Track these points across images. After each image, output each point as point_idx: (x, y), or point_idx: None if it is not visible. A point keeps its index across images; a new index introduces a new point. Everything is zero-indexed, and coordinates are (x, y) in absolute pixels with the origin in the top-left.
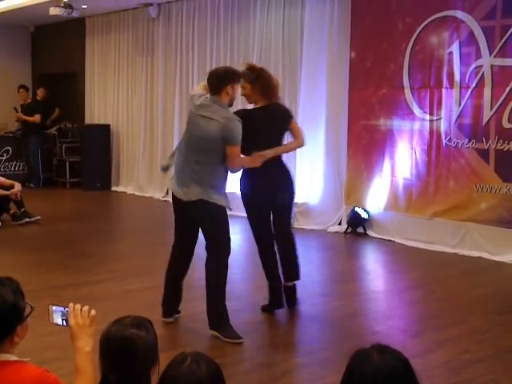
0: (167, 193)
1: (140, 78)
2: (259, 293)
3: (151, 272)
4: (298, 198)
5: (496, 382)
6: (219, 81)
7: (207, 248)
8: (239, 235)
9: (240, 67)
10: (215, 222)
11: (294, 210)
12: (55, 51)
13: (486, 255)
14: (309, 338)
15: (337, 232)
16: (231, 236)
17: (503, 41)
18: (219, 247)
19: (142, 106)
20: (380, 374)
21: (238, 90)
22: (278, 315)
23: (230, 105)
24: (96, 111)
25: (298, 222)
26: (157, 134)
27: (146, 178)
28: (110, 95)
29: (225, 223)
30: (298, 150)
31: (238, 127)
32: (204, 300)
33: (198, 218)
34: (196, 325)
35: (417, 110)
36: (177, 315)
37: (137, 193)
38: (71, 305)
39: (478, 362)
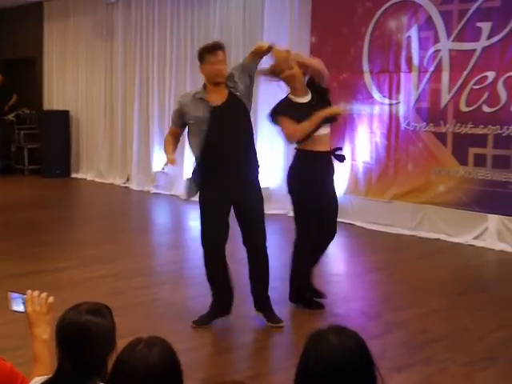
0: (128, 179)
1: (99, 63)
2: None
3: (113, 259)
4: (261, 183)
5: (453, 360)
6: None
7: None
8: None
9: None
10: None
11: None
12: (13, 36)
13: (443, 237)
14: None
15: None
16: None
17: (461, 25)
18: None
19: (101, 92)
20: (336, 355)
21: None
22: (239, 299)
23: (215, 83)
24: (55, 97)
25: None
26: (117, 120)
27: (106, 164)
28: (69, 81)
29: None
30: (258, 135)
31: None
32: (165, 285)
33: None
34: (159, 310)
35: (376, 95)
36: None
37: (97, 179)
38: (29, 291)
39: (437, 341)
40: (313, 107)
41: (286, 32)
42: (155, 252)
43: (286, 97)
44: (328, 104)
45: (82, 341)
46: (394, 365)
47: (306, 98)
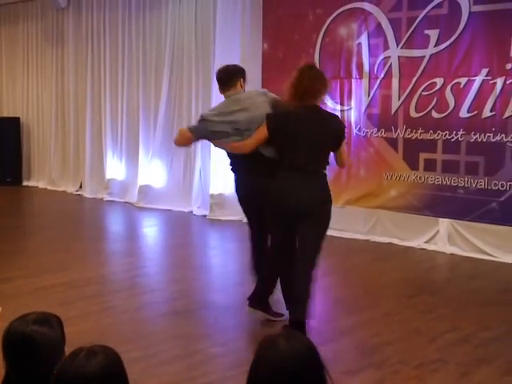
0: (81, 186)
1: (50, 69)
2: (174, 285)
3: (65, 267)
4: (214, 189)
5: (404, 362)
6: None
7: None
8: (155, 228)
9: (152, 56)
10: None
11: (211, 201)
12: None
13: (395, 241)
14: (224, 328)
15: None
16: None
17: (409, 32)
18: None
19: (52, 98)
20: (285, 360)
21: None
22: (193, 306)
23: None
24: (5, 104)
25: (213, 214)
26: (69, 126)
27: (58, 171)
28: (19, 87)
29: None
30: None
31: None
32: (119, 294)
33: None
34: (112, 319)
35: (328, 101)
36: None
37: (49, 187)
38: None
39: (388, 344)
40: None
41: (238, 38)
42: (108, 260)
43: None
44: None
45: (27, 351)
46: (346, 369)
47: None
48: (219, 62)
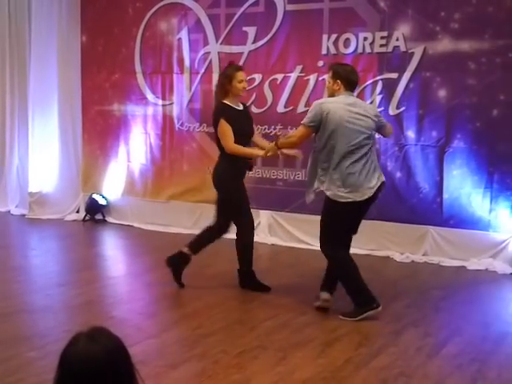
0: None
1: None
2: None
3: None
4: (33, 187)
5: (225, 352)
6: None
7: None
8: None
9: None
10: None
11: (29, 200)
12: None
13: None
14: (43, 330)
15: (75, 220)
16: None
17: (228, 29)
18: None
19: None
20: (80, 362)
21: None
22: (11, 309)
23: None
24: None
25: (33, 212)
26: None
27: None
28: None
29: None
30: (30, 136)
31: None
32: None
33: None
34: None
35: (149, 95)
36: None
37: None
38: None
39: (210, 335)
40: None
41: (55, 30)
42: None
43: (222, 102)
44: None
45: None
46: (169, 362)
47: (241, 107)
48: (35, 55)
